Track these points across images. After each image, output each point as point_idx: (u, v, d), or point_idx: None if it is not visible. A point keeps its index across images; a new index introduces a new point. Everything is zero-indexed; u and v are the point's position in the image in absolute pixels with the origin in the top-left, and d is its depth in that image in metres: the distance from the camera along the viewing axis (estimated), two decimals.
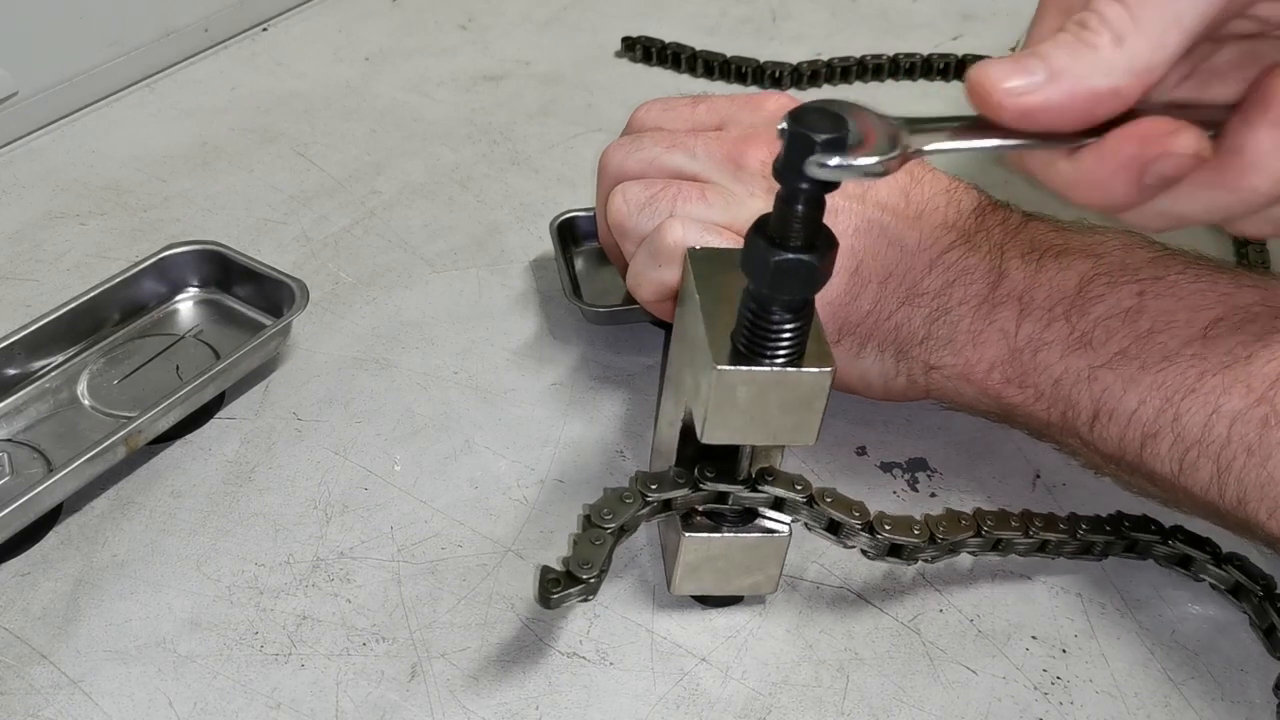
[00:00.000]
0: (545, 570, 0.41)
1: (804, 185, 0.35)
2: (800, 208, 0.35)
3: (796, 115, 0.34)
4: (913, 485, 0.51)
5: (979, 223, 0.49)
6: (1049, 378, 0.46)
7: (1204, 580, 0.47)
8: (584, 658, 0.44)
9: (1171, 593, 0.47)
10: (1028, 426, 0.49)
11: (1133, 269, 0.46)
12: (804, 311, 0.38)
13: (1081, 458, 0.48)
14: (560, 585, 0.40)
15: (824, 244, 0.36)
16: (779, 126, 0.34)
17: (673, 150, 0.51)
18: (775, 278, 0.36)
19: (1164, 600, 0.47)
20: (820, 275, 0.37)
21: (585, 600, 0.42)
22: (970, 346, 0.47)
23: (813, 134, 0.34)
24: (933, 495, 0.51)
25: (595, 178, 0.71)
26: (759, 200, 0.48)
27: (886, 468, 0.52)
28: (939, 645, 0.45)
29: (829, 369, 0.38)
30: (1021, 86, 0.35)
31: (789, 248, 0.36)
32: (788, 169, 0.34)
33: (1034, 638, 0.45)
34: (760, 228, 0.37)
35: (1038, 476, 0.52)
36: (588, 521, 0.42)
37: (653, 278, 0.49)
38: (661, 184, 0.50)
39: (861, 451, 0.53)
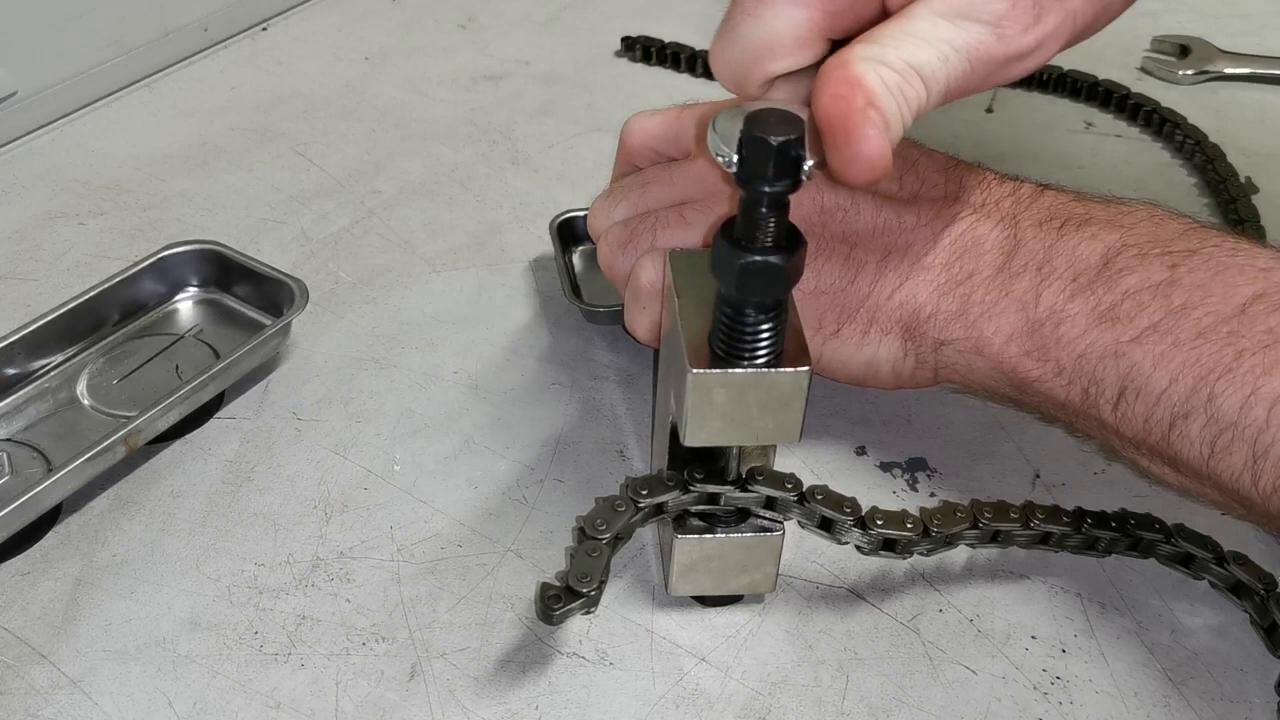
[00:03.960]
0: (545, 587, 0.41)
1: (766, 189, 0.35)
2: (764, 210, 0.36)
3: (751, 123, 0.34)
4: (912, 485, 0.51)
5: (985, 195, 0.48)
6: (1071, 352, 0.44)
7: (1204, 579, 0.47)
8: (584, 658, 0.44)
9: (1171, 592, 0.47)
10: (1040, 408, 0.47)
11: (1164, 241, 0.44)
12: (778, 312, 0.38)
13: (1097, 440, 0.46)
14: (561, 601, 0.40)
15: (791, 244, 0.37)
16: (730, 152, 0.35)
17: (649, 187, 0.51)
18: (743, 280, 0.36)
19: (1164, 600, 0.47)
20: (789, 276, 0.37)
21: (588, 612, 0.42)
22: (985, 318, 0.45)
23: (789, 137, 0.34)
24: (932, 495, 0.51)
25: (595, 177, 0.71)
26: None
27: (886, 467, 0.52)
28: (939, 645, 0.45)
29: (806, 368, 0.38)
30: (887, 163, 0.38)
31: (755, 250, 0.36)
32: (762, 177, 0.35)
33: (1034, 637, 0.45)
34: (726, 231, 0.37)
35: (1037, 476, 0.52)
36: (582, 534, 0.42)
37: (641, 320, 0.48)
38: (638, 218, 0.49)
39: (861, 451, 0.53)
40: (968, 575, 0.48)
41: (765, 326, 0.38)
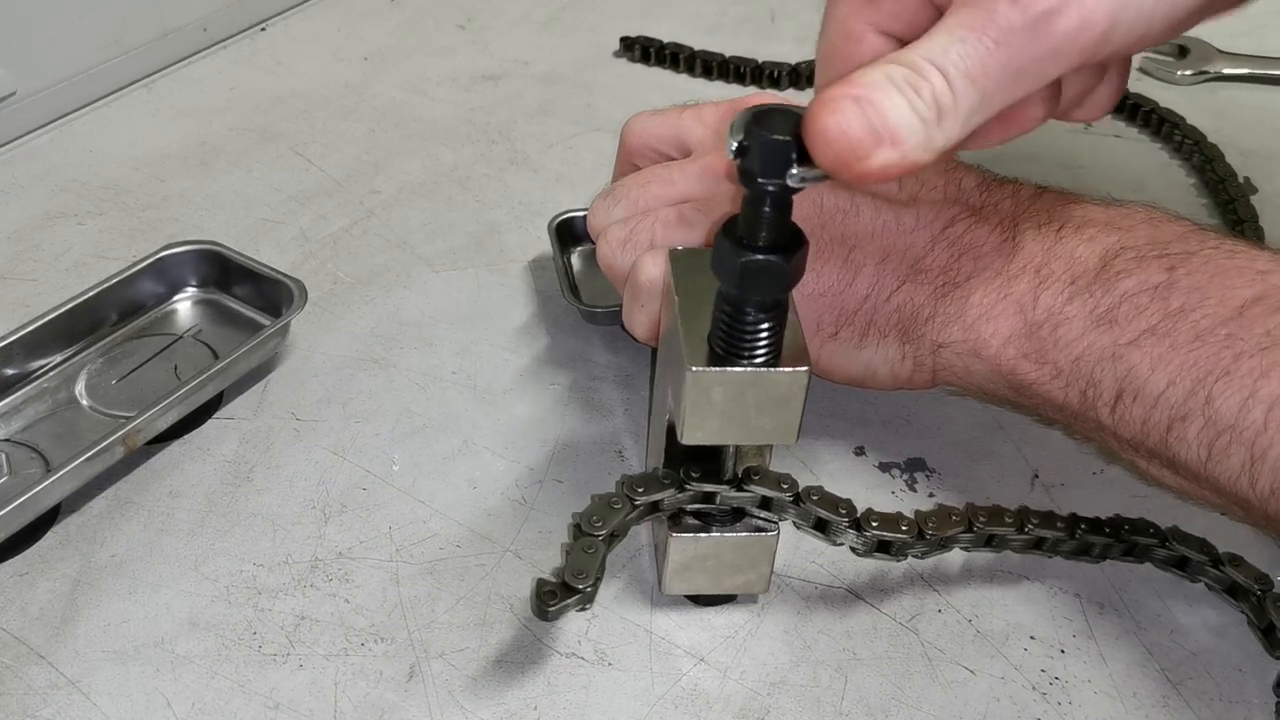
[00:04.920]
0: (541, 583, 0.41)
1: (769, 188, 0.35)
2: (767, 209, 0.36)
3: (756, 119, 0.34)
4: (911, 485, 0.51)
5: (985, 197, 0.48)
6: (1069, 354, 0.44)
7: (1201, 582, 0.47)
8: (582, 658, 0.44)
9: (1170, 592, 0.47)
10: (1038, 410, 0.47)
11: (1161, 243, 0.44)
12: (778, 311, 0.38)
13: (1095, 442, 0.47)
14: (556, 597, 0.40)
15: (793, 243, 0.37)
16: (733, 141, 0.35)
17: (649, 186, 0.51)
18: (744, 279, 0.36)
19: (1162, 600, 0.47)
20: (790, 275, 0.37)
21: (583, 609, 0.42)
22: (983, 321, 0.45)
23: (777, 137, 0.34)
24: (931, 495, 0.51)
25: (594, 177, 0.71)
26: None
27: (885, 468, 0.52)
28: (937, 645, 0.45)
29: (804, 368, 0.38)
30: (867, 151, 0.35)
31: (757, 248, 0.36)
32: (750, 173, 0.35)
33: (1032, 638, 0.45)
34: (728, 229, 0.37)
35: (1036, 476, 0.52)
36: (578, 530, 0.42)
37: (639, 318, 0.48)
38: (638, 217, 0.49)
39: (860, 451, 0.53)
40: (966, 575, 0.48)
41: (765, 326, 0.38)
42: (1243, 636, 0.46)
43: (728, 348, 0.38)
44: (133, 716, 0.42)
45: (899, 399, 0.54)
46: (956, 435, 0.53)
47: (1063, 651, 0.45)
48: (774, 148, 0.34)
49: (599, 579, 0.41)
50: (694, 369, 0.38)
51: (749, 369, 0.38)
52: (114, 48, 0.75)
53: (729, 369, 0.38)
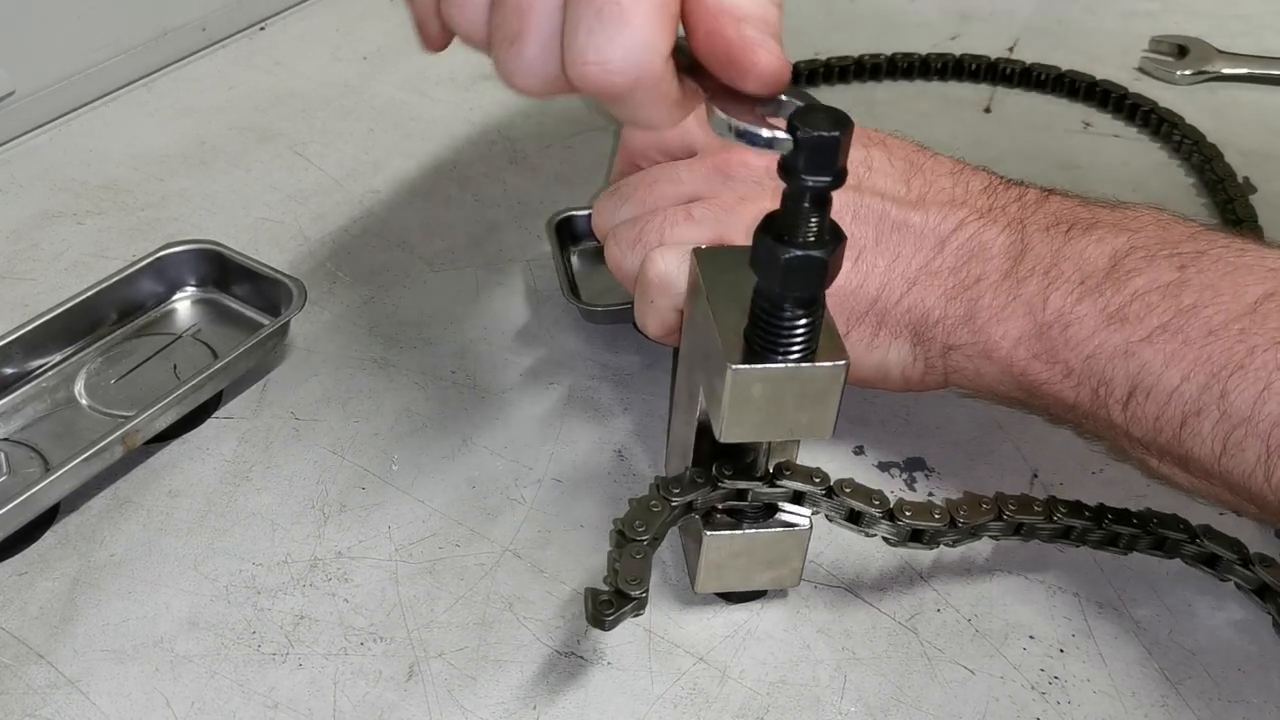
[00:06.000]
0: (595, 593, 0.40)
1: (811, 184, 0.35)
2: (807, 205, 0.36)
3: (799, 117, 0.34)
4: (910, 485, 0.51)
5: (991, 200, 0.48)
6: (1080, 354, 0.44)
7: (1230, 580, 0.47)
8: (581, 657, 0.44)
9: (1169, 592, 0.47)
10: (1049, 409, 0.47)
11: (1171, 244, 0.44)
12: (815, 307, 0.38)
13: (1106, 440, 0.47)
14: (613, 606, 0.40)
15: (832, 239, 0.37)
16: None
17: (655, 185, 0.51)
18: (786, 275, 0.36)
19: (1162, 599, 0.47)
20: (831, 270, 0.37)
21: (637, 615, 0.41)
22: (993, 323, 0.46)
23: (823, 133, 0.34)
24: (930, 495, 0.51)
25: (593, 176, 0.71)
26: (750, 204, 0.48)
27: (884, 467, 0.52)
28: (936, 645, 0.45)
29: (843, 362, 0.38)
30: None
31: (798, 244, 0.36)
32: (794, 169, 0.35)
33: (1031, 637, 0.45)
34: (768, 226, 0.37)
35: (1035, 476, 0.52)
36: (622, 537, 0.42)
37: (651, 315, 0.48)
38: (645, 216, 0.49)
39: (859, 451, 0.53)
40: (966, 575, 0.48)
41: (803, 321, 0.38)
42: (1242, 636, 0.46)
43: (765, 344, 0.38)
44: (132, 716, 0.42)
45: (898, 398, 0.54)
46: (956, 435, 0.54)
47: (1062, 651, 0.45)
48: (821, 144, 0.34)
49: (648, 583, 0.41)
50: (734, 367, 0.38)
51: (789, 365, 0.38)
52: (113, 47, 0.75)
53: (770, 366, 0.38)
